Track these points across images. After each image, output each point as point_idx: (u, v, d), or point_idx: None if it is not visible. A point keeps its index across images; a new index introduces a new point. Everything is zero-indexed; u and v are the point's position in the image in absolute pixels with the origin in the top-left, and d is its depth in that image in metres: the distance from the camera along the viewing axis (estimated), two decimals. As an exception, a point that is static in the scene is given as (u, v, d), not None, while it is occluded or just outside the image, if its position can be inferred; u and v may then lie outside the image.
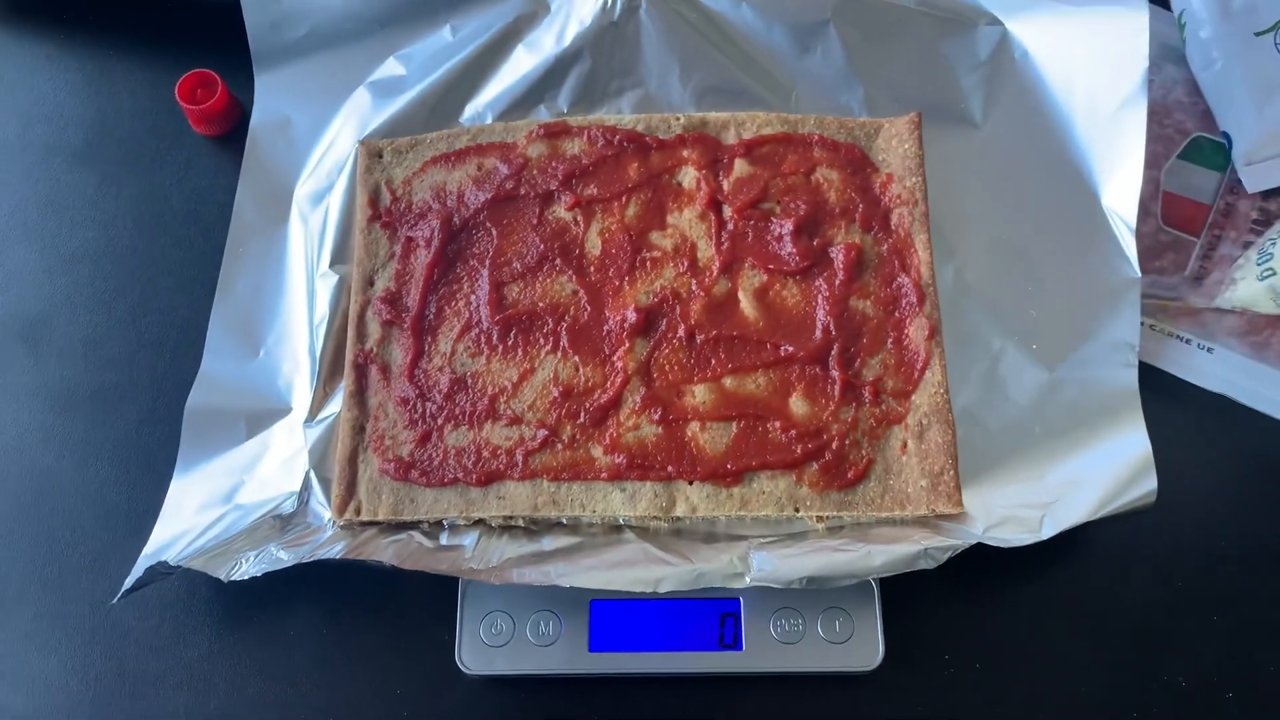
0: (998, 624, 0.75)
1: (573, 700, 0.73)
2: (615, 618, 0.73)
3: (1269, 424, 0.79)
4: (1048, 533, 0.70)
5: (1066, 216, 0.81)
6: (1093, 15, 0.81)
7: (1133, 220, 0.78)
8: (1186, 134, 0.86)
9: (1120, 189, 0.79)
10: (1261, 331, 0.80)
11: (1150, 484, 0.71)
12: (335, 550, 0.71)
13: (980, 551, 0.70)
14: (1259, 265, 0.77)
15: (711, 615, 0.73)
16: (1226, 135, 0.83)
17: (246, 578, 0.70)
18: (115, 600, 0.72)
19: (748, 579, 0.69)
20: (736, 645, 0.72)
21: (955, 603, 0.75)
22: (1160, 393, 0.79)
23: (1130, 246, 0.78)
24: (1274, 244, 0.77)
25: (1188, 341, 0.81)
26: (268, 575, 0.71)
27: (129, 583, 0.71)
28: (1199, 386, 0.80)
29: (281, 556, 0.70)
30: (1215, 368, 0.80)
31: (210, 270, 0.84)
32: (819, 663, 0.71)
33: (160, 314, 0.86)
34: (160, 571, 0.71)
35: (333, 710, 0.74)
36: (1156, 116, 0.85)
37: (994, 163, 0.83)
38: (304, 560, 0.70)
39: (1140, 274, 0.77)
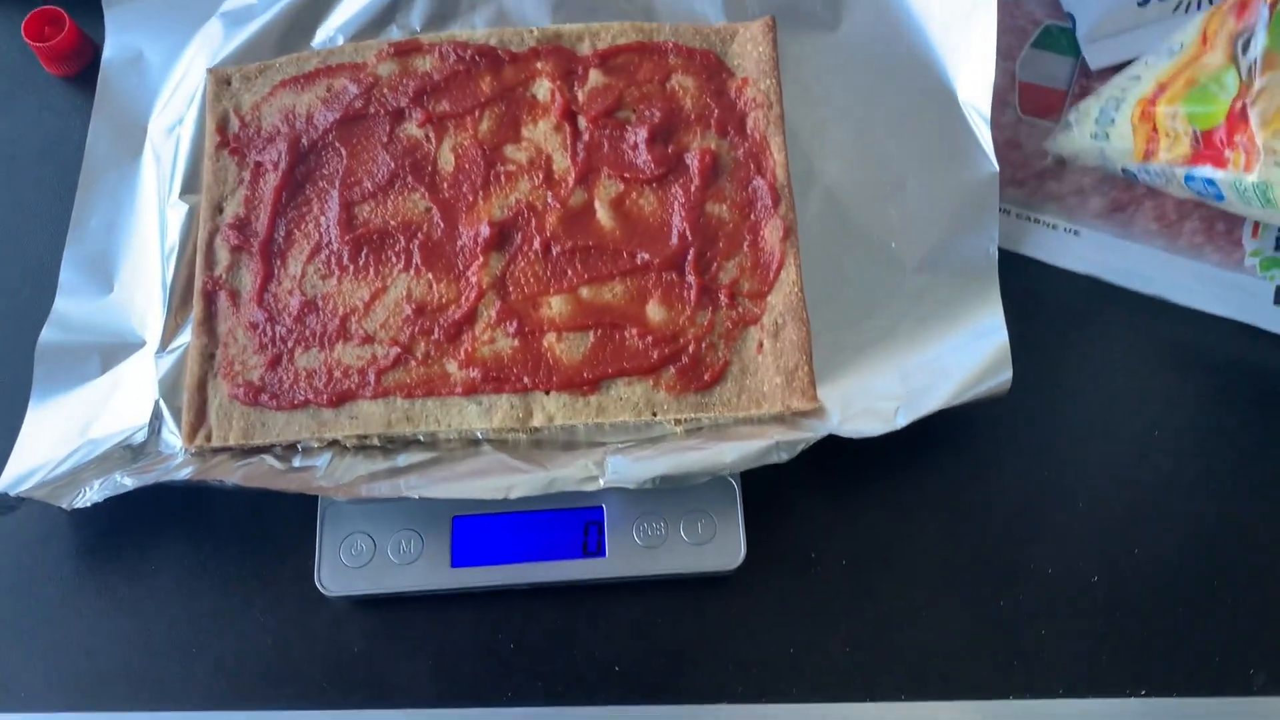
0: (863, 520, 0.75)
1: (437, 618, 0.73)
2: (478, 533, 0.73)
3: (1137, 303, 0.79)
4: (901, 422, 0.70)
5: (924, 114, 0.80)
6: (942, -90, 0.81)
7: (988, 112, 0.77)
8: (1038, 22, 0.86)
9: (974, 81, 0.78)
10: (1126, 209, 0.81)
11: (1006, 372, 0.71)
12: (182, 474, 0.70)
13: (845, 448, 0.70)
14: (1096, 124, 0.77)
15: (575, 524, 0.73)
16: (1071, 16, 0.83)
17: (89, 504, 0.69)
18: (-39, 538, 0.70)
19: (601, 482, 0.69)
20: (600, 553, 0.72)
21: (819, 501, 0.75)
22: (1028, 280, 0.79)
23: (987, 139, 0.77)
24: (1117, 107, 0.76)
25: (1054, 227, 0.81)
26: (128, 510, 0.70)
27: (-27, 518, 0.70)
28: (1068, 271, 0.80)
29: (125, 482, 0.69)
30: (1083, 249, 0.81)
31: (64, 210, 0.81)
32: (682, 565, 0.71)
33: (13, 254, 0.84)
34: (5, 505, 0.70)
35: (196, 640, 0.73)
36: (1007, 8, 0.85)
37: (850, 64, 0.82)
38: (148, 483, 0.69)
39: (998, 167, 0.77)
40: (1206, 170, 0.71)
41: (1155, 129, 0.74)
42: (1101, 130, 0.77)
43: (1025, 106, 0.83)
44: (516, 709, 0.71)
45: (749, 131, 0.78)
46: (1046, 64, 0.85)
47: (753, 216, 0.76)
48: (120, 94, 0.85)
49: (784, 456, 0.68)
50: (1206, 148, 0.71)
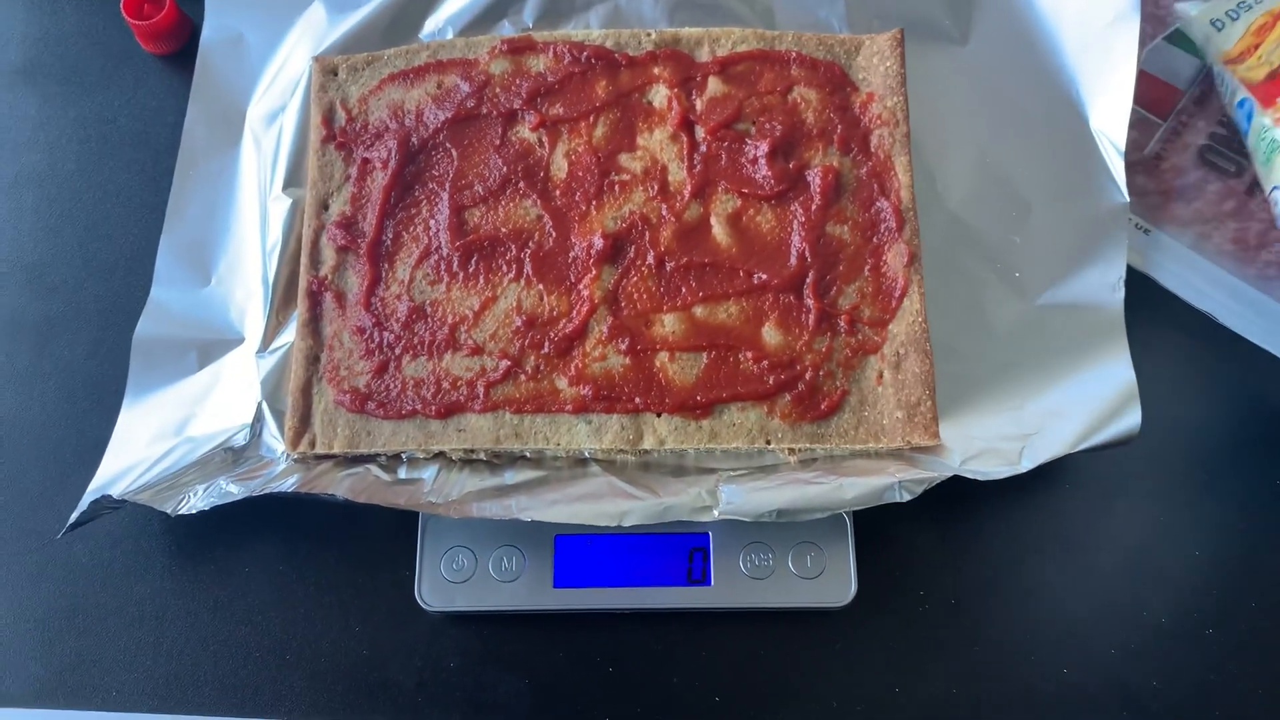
0: (974, 559, 0.73)
1: (536, 638, 0.71)
2: (580, 553, 0.71)
3: (1257, 351, 0.76)
4: (1026, 465, 0.68)
5: (1053, 138, 0.78)
6: (1086, -76, 0.77)
7: (1122, 143, 0.74)
8: (1178, 17, 0.83)
9: (1109, 110, 0.76)
10: (1208, 221, 0.80)
11: (1134, 417, 0.68)
12: (288, 484, 0.68)
13: (958, 485, 0.68)
14: (1226, 14, 0.79)
15: (680, 550, 0.71)
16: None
17: (194, 512, 0.67)
18: (60, 535, 0.69)
19: (716, 512, 0.67)
20: (705, 581, 0.70)
21: (931, 538, 0.73)
22: (1147, 308, 0.77)
23: (1119, 170, 0.75)
24: (1249, 9, 0.79)
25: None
26: (223, 509, 0.68)
27: (74, 517, 0.68)
28: (1183, 301, 0.78)
29: (231, 490, 0.68)
30: (1154, 252, 0.79)
31: (160, 195, 0.80)
32: (790, 599, 0.69)
33: (108, 240, 0.82)
34: (106, 506, 0.69)
35: (289, 647, 0.72)
36: None
37: (979, 82, 0.79)
38: (254, 494, 0.68)
39: (1128, 199, 0.74)
40: (1255, 105, 0.75)
41: (1257, 46, 0.76)
42: (1224, 19, 0.78)
43: (1138, 96, 0.80)
44: (613, 734, 0.70)
45: (873, 150, 0.75)
46: (1173, 60, 0.83)
47: (875, 240, 0.73)
48: (219, 77, 0.83)
49: (905, 497, 0.66)
50: (1271, 85, 0.73)
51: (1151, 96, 0.82)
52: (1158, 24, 0.83)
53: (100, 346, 0.79)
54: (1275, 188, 0.75)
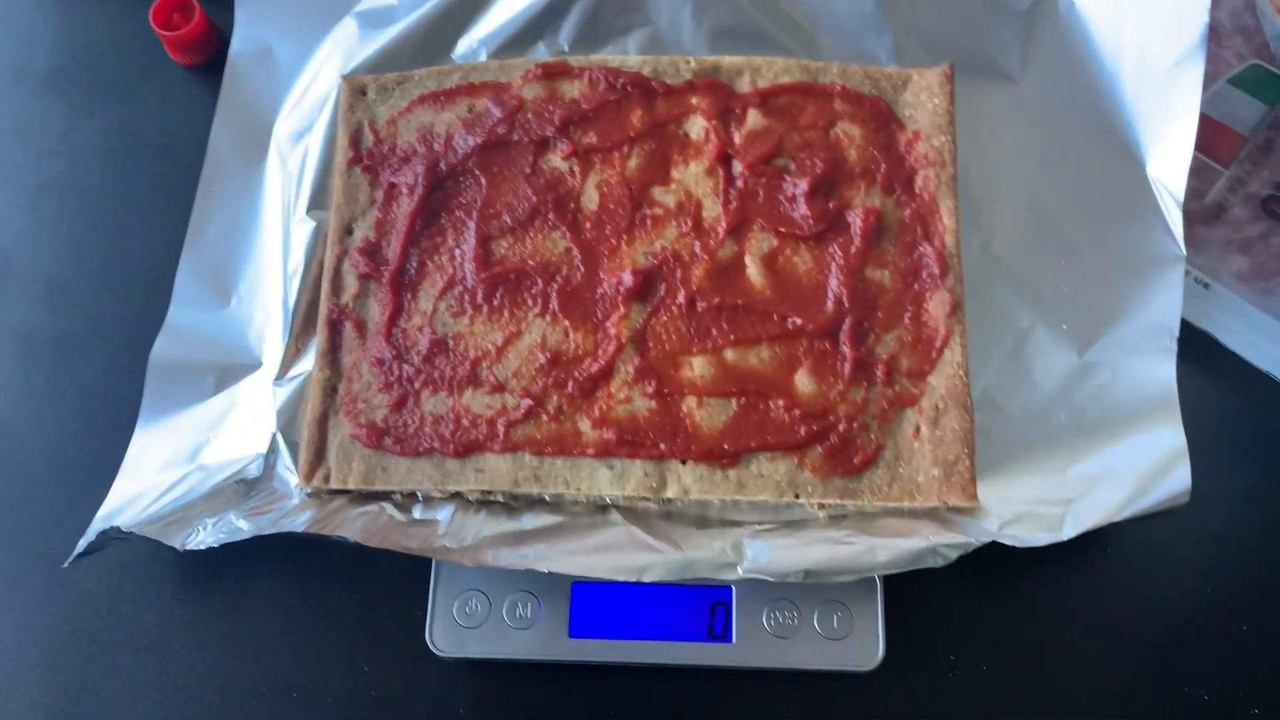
0: (1007, 624, 0.70)
1: (550, 688, 0.69)
2: (598, 602, 0.69)
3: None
4: (1069, 533, 0.64)
5: (1107, 185, 0.74)
6: (1149, -39, 0.74)
7: (1180, 193, 0.71)
8: (1243, 58, 0.79)
9: (1168, 158, 0.72)
10: (1269, 278, 0.75)
11: (1183, 483, 0.65)
12: (299, 521, 0.66)
13: (995, 546, 0.65)
14: None
15: (701, 604, 0.68)
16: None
17: (203, 547, 0.65)
18: (67, 564, 0.67)
19: (740, 570, 0.64)
20: (726, 637, 0.67)
21: (963, 600, 0.70)
22: (1202, 366, 0.74)
23: (1176, 221, 0.71)
24: None
25: (1186, 273, 0.74)
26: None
27: (81, 546, 0.67)
28: (1243, 360, 0.74)
29: (241, 526, 0.66)
30: (1212, 309, 0.75)
31: (183, 210, 0.78)
32: (815, 660, 0.67)
33: (130, 255, 0.81)
34: (114, 537, 0.67)
35: (295, 685, 0.70)
36: (1216, 36, 0.78)
37: (1030, 122, 0.76)
38: (265, 532, 0.66)
39: (1185, 252, 0.71)
40: None
41: None
42: None
43: (1199, 142, 0.76)
44: (625, 792, 0.67)
45: (918, 191, 0.72)
46: (1237, 104, 0.79)
47: (916, 286, 0.70)
48: (247, 91, 0.81)
49: (940, 563, 0.63)
50: None
51: (1213, 142, 0.78)
52: (1222, 65, 0.80)
53: (117, 365, 0.77)
54: None
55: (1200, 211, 0.77)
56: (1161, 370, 0.69)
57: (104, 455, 0.73)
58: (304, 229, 0.76)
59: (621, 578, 0.63)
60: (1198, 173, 0.77)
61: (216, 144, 0.79)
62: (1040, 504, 0.66)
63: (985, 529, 0.65)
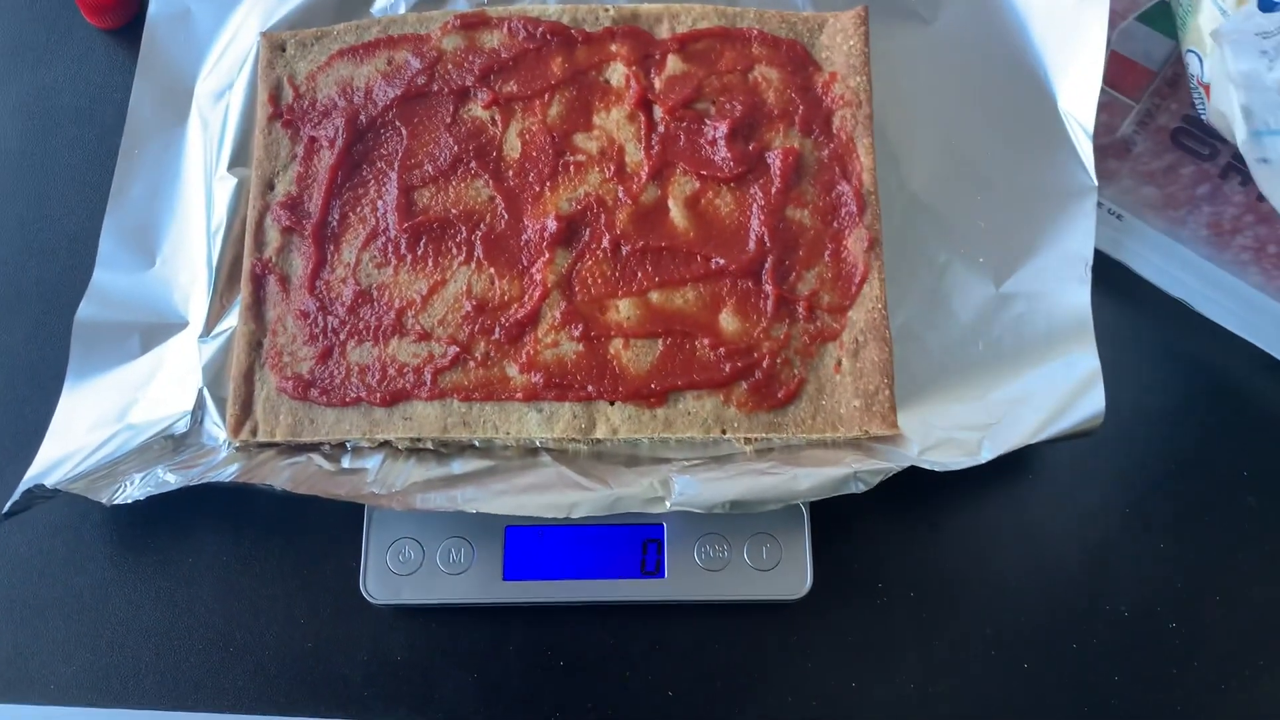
0: (932, 550, 0.71)
1: (486, 631, 0.70)
2: (531, 544, 0.69)
3: (1231, 338, 0.75)
4: (986, 456, 0.66)
5: (1020, 120, 0.75)
6: (1056, -102, 0.75)
7: (1090, 125, 0.72)
8: None
9: (1078, 91, 0.74)
10: (1180, 207, 0.77)
11: (1098, 405, 0.67)
12: (227, 474, 0.66)
13: (917, 475, 0.66)
14: None
15: (633, 541, 0.69)
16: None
17: (130, 501, 0.65)
18: (-7, 525, 0.67)
19: (668, 503, 0.65)
20: (659, 573, 0.68)
21: (888, 528, 0.71)
22: (1116, 295, 0.75)
23: (1088, 153, 0.73)
24: None
25: (1100, 205, 0.76)
26: (167, 498, 0.67)
27: (6, 507, 0.66)
28: (1155, 288, 0.76)
29: (168, 479, 0.66)
30: (1127, 240, 0.77)
31: (104, 174, 0.78)
32: (745, 591, 0.68)
33: (50, 220, 0.80)
34: (40, 495, 0.67)
35: (232, 640, 0.70)
36: None
37: (944, 61, 0.77)
38: (193, 483, 0.66)
39: (1096, 182, 0.72)
40: None
41: None
42: None
43: (1108, 77, 0.78)
44: (564, 730, 0.68)
45: (835, 131, 0.73)
46: (1145, 40, 0.80)
47: (835, 224, 0.71)
48: (166, 53, 0.80)
49: (861, 488, 0.65)
50: None
51: (1123, 78, 0.80)
52: (1129, 3, 0.81)
53: (40, 330, 0.76)
54: (1190, 50, 0.73)
55: (1112, 145, 0.78)
56: (1077, 298, 0.70)
57: (30, 420, 0.73)
58: (226, 186, 0.75)
59: (550, 514, 0.64)
60: (1107, 107, 0.79)
61: (137, 106, 0.79)
62: (959, 430, 0.68)
63: (906, 455, 0.66)
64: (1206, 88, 0.72)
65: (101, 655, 0.70)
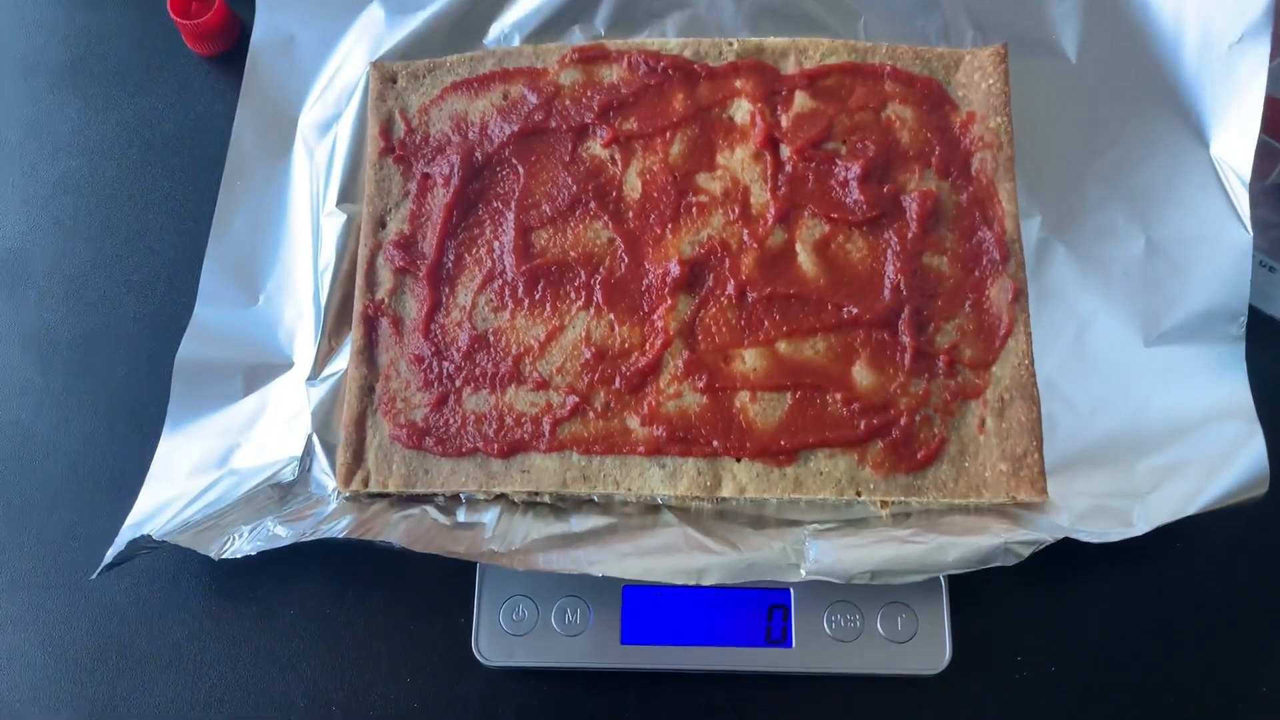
0: (1077, 623, 0.67)
1: (602, 697, 0.66)
2: (650, 607, 0.66)
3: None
4: (1142, 528, 0.62)
5: (1169, 166, 0.71)
6: (1210, -67, 0.71)
7: (1246, 173, 0.68)
8: None
9: (1233, 138, 0.69)
10: None
11: (1259, 471, 0.62)
12: (339, 527, 0.63)
13: (1061, 543, 0.62)
14: None
15: (758, 607, 0.65)
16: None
17: (239, 556, 0.62)
18: (95, 575, 0.64)
19: (803, 571, 0.61)
20: (785, 642, 0.65)
21: (1027, 598, 0.67)
22: (1272, 351, 0.70)
23: (1242, 202, 0.69)
24: None
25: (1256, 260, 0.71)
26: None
27: (109, 557, 0.64)
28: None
29: (279, 533, 0.63)
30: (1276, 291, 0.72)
31: (206, 205, 0.75)
32: (878, 664, 0.64)
33: (150, 253, 0.78)
34: (144, 546, 0.64)
35: (334, 699, 0.67)
36: None
37: (1088, 102, 0.73)
38: (304, 538, 0.63)
39: (1251, 233, 0.68)
40: None
41: None
42: None
43: (1265, 124, 0.73)
44: (682, 804, 0.65)
45: (974, 174, 0.69)
46: None
47: (977, 273, 0.67)
48: (269, 82, 0.78)
49: (1012, 560, 0.61)
50: None
51: (1275, 122, 0.75)
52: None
53: (140, 368, 0.74)
54: None
55: (1263, 192, 0.74)
56: (1231, 354, 0.66)
57: (129, 461, 0.71)
58: (334, 222, 0.73)
59: (680, 581, 0.61)
60: (1262, 153, 0.74)
61: (239, 136, 0.76)
62: (1110, 497, 0.64)
63: (1057, 525, 0.62)
64: None
65: (199, 709, 0.67)
